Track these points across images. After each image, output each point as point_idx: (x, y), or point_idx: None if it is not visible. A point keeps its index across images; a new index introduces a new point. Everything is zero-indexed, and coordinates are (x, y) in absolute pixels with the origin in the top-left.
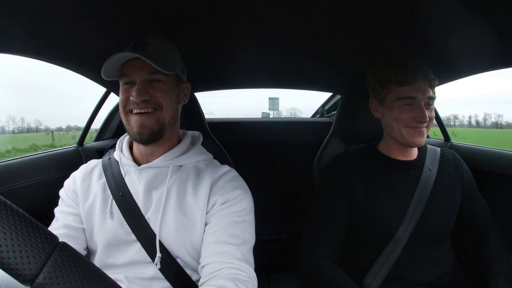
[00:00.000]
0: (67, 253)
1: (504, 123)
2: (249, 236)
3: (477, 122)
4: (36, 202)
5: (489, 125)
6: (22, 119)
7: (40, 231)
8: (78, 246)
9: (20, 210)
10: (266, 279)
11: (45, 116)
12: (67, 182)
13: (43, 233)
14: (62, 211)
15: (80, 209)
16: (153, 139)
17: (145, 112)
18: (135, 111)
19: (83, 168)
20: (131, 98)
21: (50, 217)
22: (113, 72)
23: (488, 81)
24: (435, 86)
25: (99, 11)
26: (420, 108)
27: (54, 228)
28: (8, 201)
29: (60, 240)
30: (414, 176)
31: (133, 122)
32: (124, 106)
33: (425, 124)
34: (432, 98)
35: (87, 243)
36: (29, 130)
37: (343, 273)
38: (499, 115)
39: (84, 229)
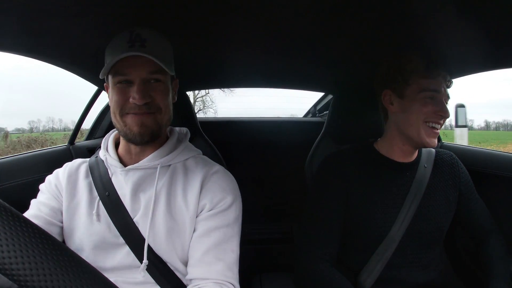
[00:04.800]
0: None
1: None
2: (234, 246)
3: None
4: (26, 201)
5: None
6: (60, 120)
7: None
8: None
9: (28, 220)
10: (258, 279)
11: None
12: (49, 177)
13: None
14: (39, 201)
15: (63, 206)
16: (151, 140)
17: (144, 112)
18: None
19: (67, 166)
20: (131, 100)
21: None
22: (105, 70)
23: None
24: (448, 88)
25: (92, 8)
26: (442, 103)
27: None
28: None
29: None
30: (409, 177)
31: (131, 122)
32: (121, 108)
33: (442, 122)
34: (448, 98)
35: (62, 240)
36: (66, 129)
37: (340, 274)
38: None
39: (60, 227)
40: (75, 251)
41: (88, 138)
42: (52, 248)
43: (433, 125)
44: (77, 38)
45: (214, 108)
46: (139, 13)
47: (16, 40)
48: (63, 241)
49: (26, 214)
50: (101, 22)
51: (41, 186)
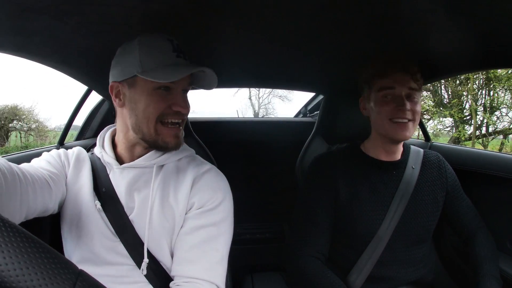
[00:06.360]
0: (86, 283)
1: None
2: (220, 246)
3: None
4: None
5: None
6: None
7: (61, 261)
8: (51, 199)
9: (41, 241)
10: (250, 279)
11: None
12: (57, 151)
13: (65, 264)
14: (47, 160)
15: (68, 184)
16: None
17: None
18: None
19: (74, 151)
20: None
21: (30, 219)
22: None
23: None
24: (419, 79)
25: (80, 7)
26: (400, 98)
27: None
28: (28, 232)
29: (78, 269)
30: (397, 176)
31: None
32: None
33: (407, 117)
34: (414, 90)
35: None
36: None
37: (330, 272)
38: None
39: (63, 197)
40: (71, 237)
41: (77, 139)
42: (40, 251)
43: (397, 120)
44: (65, 38)
45: (275, 114)
46: (128, 13)
47: (3, 39)
48: (59, 215)
49: (34, 164)
50: (89, 22)
51: (47, 154)
